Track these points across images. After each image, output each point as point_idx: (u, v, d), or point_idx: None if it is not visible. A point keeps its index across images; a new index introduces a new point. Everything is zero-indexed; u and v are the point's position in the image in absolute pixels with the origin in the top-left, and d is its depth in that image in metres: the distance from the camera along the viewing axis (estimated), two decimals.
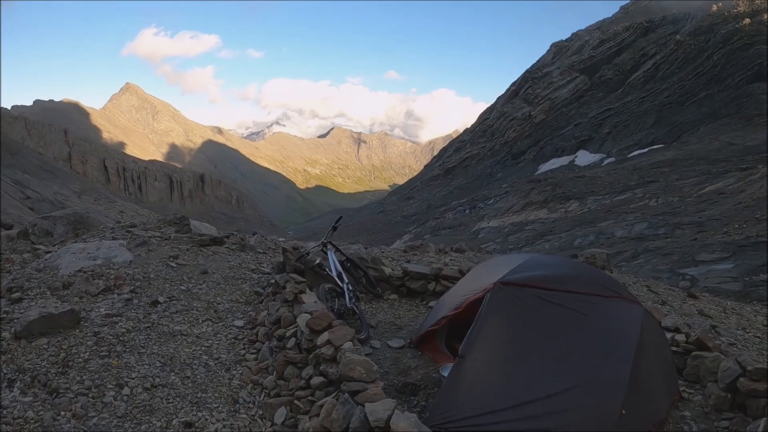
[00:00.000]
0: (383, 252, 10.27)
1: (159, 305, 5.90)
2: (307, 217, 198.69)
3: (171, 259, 7.36)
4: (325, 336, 4.25)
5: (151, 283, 6.48)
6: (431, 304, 6.59)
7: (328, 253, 6.56)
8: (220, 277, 7.09)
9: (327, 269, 6.40)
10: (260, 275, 7.40)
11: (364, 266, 7.07)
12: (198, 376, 4.70)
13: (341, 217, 7.34)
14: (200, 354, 5.05)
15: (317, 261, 6.59)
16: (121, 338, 5.03)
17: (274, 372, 4.59)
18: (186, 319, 5.73)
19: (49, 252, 7.59)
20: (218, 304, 6.24)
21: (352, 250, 8.13)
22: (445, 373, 4.18)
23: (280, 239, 11.56)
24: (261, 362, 4.93)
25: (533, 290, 4.07)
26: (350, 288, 5.95)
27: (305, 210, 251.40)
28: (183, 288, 6.49)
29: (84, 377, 4.39)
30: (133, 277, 6.52)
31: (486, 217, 47.69)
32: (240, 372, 4.85)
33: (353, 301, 5.79)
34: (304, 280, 5.83)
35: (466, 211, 57.24)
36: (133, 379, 4.47)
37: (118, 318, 5.41)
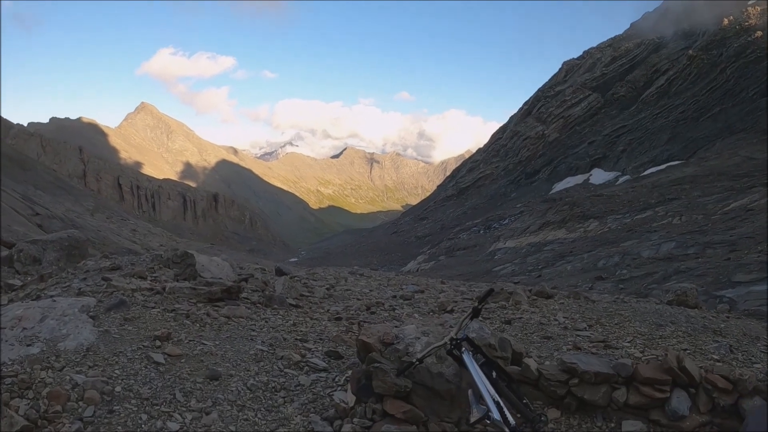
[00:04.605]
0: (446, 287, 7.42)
1: None
2: (319, 238, 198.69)
3: (156, 343, 4.58)
4: None
5: (113, 409, 3.50)
6: (629, 430, 3.90)
7: (465, 357, 3.63)
8: (242, 386, 4.10)
9: (489, 414, 3.12)
10: (313, 376, 4.41)
11: (495, 360, 3.97)
12: None
13: (492, 289, 4.32)
14: None
15: (474, 412, 3.20)
16: None
17: None
18: None
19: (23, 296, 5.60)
20: None
21: (471, 332, 4.31)
22: None
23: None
24: None
25: None
26: None
27: (318, 230, 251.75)
28: (174, 426, 3.44)
29: None
30: (82, 395, 3.55)
31: (502, 238, 47.02)
32: None
33: None
34: None
35: (481, 232, 56.67)
36: None
37: None
